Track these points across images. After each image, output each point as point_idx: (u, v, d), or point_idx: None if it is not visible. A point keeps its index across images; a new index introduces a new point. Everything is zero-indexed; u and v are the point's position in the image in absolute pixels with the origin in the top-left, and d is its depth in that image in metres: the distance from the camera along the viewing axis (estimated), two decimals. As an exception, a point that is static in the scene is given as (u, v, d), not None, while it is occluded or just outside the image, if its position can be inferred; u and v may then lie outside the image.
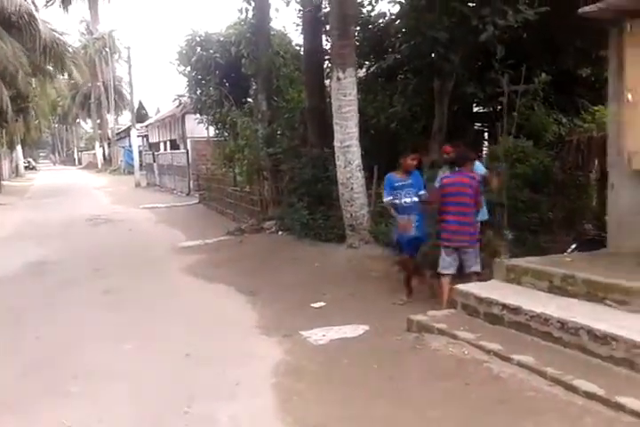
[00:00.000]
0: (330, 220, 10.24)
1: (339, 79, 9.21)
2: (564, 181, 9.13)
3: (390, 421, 4.19)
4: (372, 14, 11.71)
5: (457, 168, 6.88)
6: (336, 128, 9.36)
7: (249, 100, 16.20)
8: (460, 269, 6.69)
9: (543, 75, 9.26)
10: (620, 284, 5.09)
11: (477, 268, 6.61)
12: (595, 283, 5.26)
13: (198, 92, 17.67)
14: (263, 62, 13.18)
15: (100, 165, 56.97)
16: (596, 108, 11.00)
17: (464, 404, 4.29)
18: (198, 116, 19.16)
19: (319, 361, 5.39)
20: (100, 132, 59.23)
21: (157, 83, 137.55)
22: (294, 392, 4.72)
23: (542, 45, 10.03)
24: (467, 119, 11.64)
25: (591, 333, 4.59)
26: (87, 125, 78.86)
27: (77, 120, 74.88)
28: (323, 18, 11.68)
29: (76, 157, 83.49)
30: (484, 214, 7.12)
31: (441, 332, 5.57)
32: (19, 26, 24.15)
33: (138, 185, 31.55)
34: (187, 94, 18.89)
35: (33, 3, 27.66)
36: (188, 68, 17.43)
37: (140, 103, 63.04)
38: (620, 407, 3.91)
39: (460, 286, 6.13)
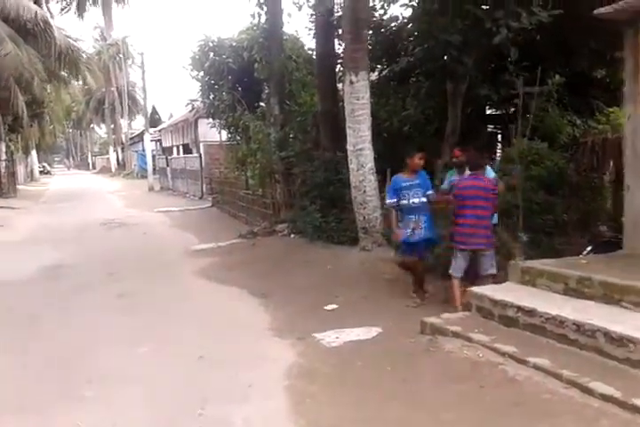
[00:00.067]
0: (342, 222, 10.23)
1: (351, 83, 9.21)
2: (579, 183, 9.06)
3: (404, 423, 4.16)
4: (385, 18, 11.72)
5: (469, 171, 6.88)
6: (349, 131, 9.36)
7: (261, 104, 16.25)
8: (475, 272, 6.66)
9: (557, 76, 9.20)
10: (637, 286, 5.03)
11: (493, 270, 6.59)
12: (611, 285, 5.21)
13: (211, 96, 17.79)
14: (276, 67, 13.21)
15: (113, 170, 57.33)
16: (610, 109, 10.94)
17: (478, 406, 4.26)
18: (211, 120, 19.29)
19: (332, 363, 5.37)
20: (113, 136, 59.63)
21: (170, 88, 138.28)
22: (307, 395, 4.70)
23: (556, 47, 9.97)
24: (480, 122, 11.61)
25: (608, 335, 4.55)
26: (101, 130, 79.53)
27: (91, 125, 75.57)
28: (335, 22, 11.68)
29: (89, 161, 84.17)
30: (494, 218, 7.09)
31: (455, 334, 5.53)
32: (34, 33, 24.43)
33: (151, 189, 31.71)
34: (199, 99, 19.02)
35: (48, 10, 28.09)
36: (201, 73, 17.57)
37: (154, 108, 63.56)
38: (636, 410, 3.86)
39: (475, 289, 6.09)
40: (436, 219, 7.18)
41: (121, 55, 51.29)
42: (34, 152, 49.99)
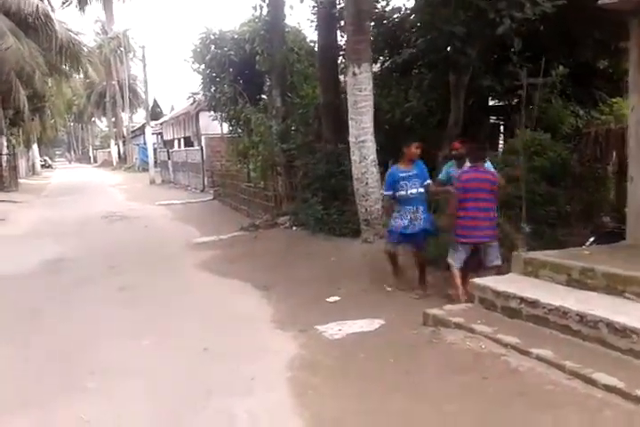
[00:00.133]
0: (344, 215, 10.20)
1: (354, 74, 9.16)
2: (582, 174, 9.04)
3: (407, 415, 4.15)
4: (387, 9, 11.69)
5: (468, 164, 6.85)
6: (351, 123, 9.32)
7: (263, 96, 16.19)
8: (477, 263, 6.65)
9: (561, 67, 9.16)
10: (640, 276, 5.02)
11: (499, 261, 6.59)
12: (614, 276, 5.20)
13: (212, 89, 17.70)
14: (277, 59, 13.15)
15: (115, 163, 57.33)
16: (613, 100, 10.89)
17: (481, 398, 4.25)
18: (212, 113, 19.21)
19: (335, 355, 5.36)
20: (114, 130, 59.61)
21: (172, 81, 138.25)
22: (310, 387, 4.69)
23: (560, 38, 9.92)
24: (482, 113, 11.56)
25: (611, 326, 4.53)
26: (102, 124, 79.51)
27: (93, 119, 75.53)
28: (337, 14, 11.63)
29: (91, 155, 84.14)
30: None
31: (458, 326, 5.52)
32: (35, 26, 24.41)
33: (152, 182, 31.69)
34: (201, 92, 18.93)
35: (49, 3, 27.93)
36: (203, 66, 17.47)
37: (155, 101, 63.40)
38: (639, 400, 3.85)
39: (478, 280, 6.08)
40: (438, 211, 7.16)
41: (122, 48, 51.18)
42: (35, 146, 50.03)
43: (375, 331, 5.97)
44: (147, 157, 34.76)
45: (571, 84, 10.49)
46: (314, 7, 12.62)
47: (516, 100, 10.53)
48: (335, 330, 6.01)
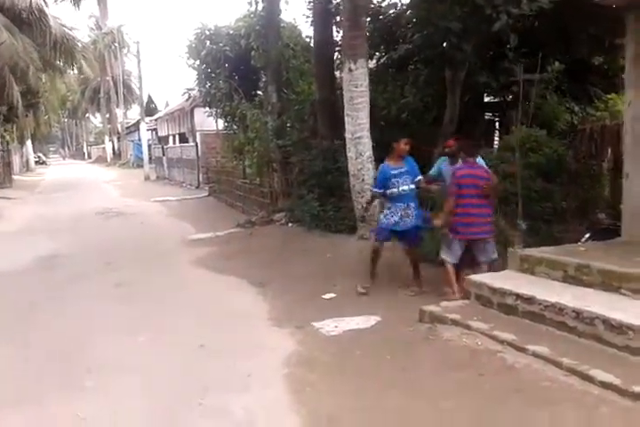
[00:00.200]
0: (340, 211, 10.20)
1: (350, 70, 9.15)
2: (578, 171, 9.05)
3: (403, 411, 4.15)
4: (383, 5, 11.66)
5: (462, 160, 6.82)
6: (347, 119, 9.31)
7: (259, 92, 16.17)
8: (472, 259, 6.64)
9: (557, 63, 9.16)
10: (636, 273, 5.03)
11: (495, 255, 6.57)
12: (610, 272, 5.20)
13: (208, 85, 17.64)
14: (273, 55, 13.13)
15: (109, 159, 57.20)
16: (609, 96, 10.90)
17: (478, 394, 4.25)
18: (207, 109, 19.17)
19: (331, 352, 5.35)
20: (109, 126, 59.45)
21: (166, 77, 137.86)
22: (307, 383, 4.69)
23: (556, 34, 9.91)
24: (478, 109, 11.56)
25: (607, 322, 4.54)
26: (96, 120, 79.40)
27: (87, 115, 75.21)
28: (333, 9, 11.61)
29: (85, 151, 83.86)
30: None
31: (454, 322, 5.52)
32: (29, 22, 24.23)
33: (147, 178, 31.63)
34: (196, 88, 18.86)
35: (43, -1, 27.70)
36: (198, 62, 17.41)
37: (150, 97, 63.27)
38: (636, 397, 3.87)
39: (474, 277, 6.08)
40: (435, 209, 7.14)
41: (116, 44, 51.03)
42: (29, 142, 49.82)
43: (371, 328, 5.96)
44: (141, 153, 34.69)
45: (566, 80, 10.51)
46: (310, 2, 12.59)
47: (511, 97, 10.54)
48: (331, 327, 6.00)
